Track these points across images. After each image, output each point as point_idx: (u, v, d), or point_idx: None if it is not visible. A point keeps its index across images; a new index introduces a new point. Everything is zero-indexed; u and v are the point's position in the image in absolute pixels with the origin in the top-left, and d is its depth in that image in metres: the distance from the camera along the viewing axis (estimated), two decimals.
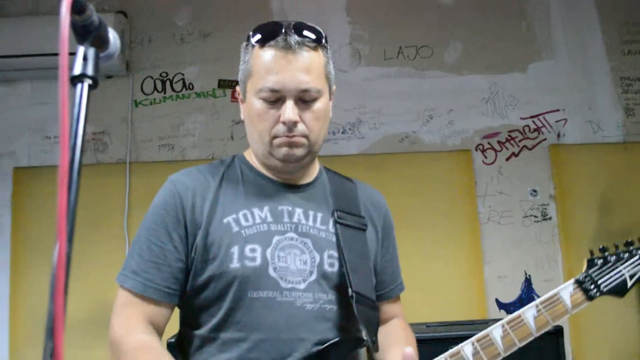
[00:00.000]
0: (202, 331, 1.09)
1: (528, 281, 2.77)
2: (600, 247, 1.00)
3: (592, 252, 1.00)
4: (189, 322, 1.14)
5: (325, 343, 1.09)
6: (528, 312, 0.99)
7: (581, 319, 2.76)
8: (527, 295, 2.77)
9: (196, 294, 1.09)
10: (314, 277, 1.10)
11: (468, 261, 2.78)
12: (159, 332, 1.09)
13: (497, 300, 2.77)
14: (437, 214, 2.79)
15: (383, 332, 1.26)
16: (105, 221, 2.68)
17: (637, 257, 0.97)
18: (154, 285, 1.06)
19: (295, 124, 1.07)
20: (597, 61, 2.97)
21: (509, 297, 2.77)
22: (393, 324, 1.29)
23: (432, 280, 2.67)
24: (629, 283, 0.97)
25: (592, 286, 0.96)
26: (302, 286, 1.09)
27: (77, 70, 0.59)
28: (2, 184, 2.73)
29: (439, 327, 2.35)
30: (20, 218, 2.68)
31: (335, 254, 1.13)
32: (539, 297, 2.81)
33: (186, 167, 1.23)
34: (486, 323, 2.40)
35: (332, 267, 1.12)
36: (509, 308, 2.76)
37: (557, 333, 2.18)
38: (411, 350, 1.02)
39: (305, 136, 1.10)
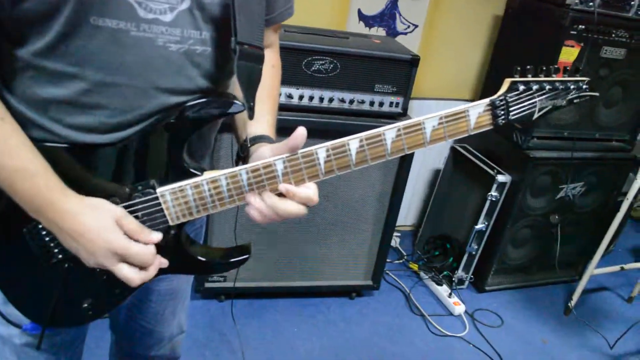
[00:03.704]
0: (24, 52, 0.84)
1: None
2: (528, 66, 0.88)
3: (517, 70, 0.89)
4: (5, 32, 0.84)
5: (188, 95, 0.92)
6: (429, 122, 0.88)
7: (431, 50, 2.83)
8: (390, 11, 2.67)
9: (13, 2, 0.79)
10: (186, 4, 0.86)
11: None
12: None
13: (359, 11, 2.65)
14: None
15: None
16: None
17: (557, 91, 0.89)
18: None
19: None
20: None
21: (372, 10, 2.66)
22: (265, 74, 1.13)
23: None
24: (536, 115, 0.90)
25: (503, 112, 0.88)
26: (169, 18, 0.85)
27: None
28: None
29: (298, 34, 2.22)
30: None
31: None
32: (400, 15, 2.74)
33: None
34: (347, 38, 2.34)
35: None
36: (368, 21, 2.68)
37: (413, 62, 2.21)
38: (302, 131, 0.87)
39: None
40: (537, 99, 0.90)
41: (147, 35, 0.84)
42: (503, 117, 0.89)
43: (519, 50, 2.64)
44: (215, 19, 0.90)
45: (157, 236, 0.91)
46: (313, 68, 2.13)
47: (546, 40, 2.45)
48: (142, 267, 0.90)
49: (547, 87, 0.89)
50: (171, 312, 1.34)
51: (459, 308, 2.69)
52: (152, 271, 0.91)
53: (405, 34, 2.75)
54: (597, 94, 0.95)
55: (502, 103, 0.88)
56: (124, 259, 0.87)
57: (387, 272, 2.89)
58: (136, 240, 0.89)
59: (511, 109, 0.89)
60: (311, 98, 2.18)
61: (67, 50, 0.82)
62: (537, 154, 2.57)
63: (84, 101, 0.87)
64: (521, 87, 0.88)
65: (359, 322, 2.58)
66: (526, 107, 0.90)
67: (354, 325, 2.56)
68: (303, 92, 2.15)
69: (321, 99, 2.19)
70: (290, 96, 2.14)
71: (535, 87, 0.88)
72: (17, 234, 0.93)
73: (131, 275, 0.88)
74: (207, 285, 2.46)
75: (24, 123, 0.86)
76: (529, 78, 0.89)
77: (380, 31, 2.71)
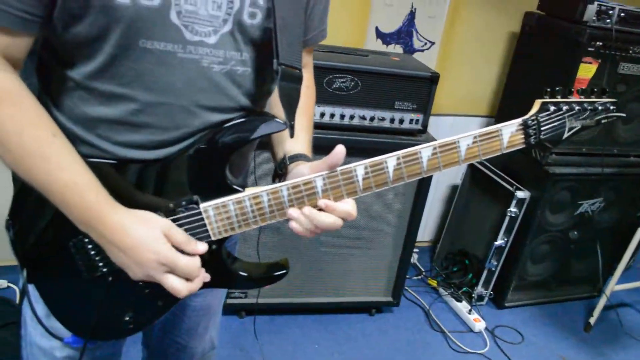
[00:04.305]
0: (75, 74, 0.87)
1: (412, 14, 2.68)
2: (557, 88, 0.91)
3: (547, 92, 0.91)
4: (58, 55, 0.88)
5: (229, 113, 0.95)
6: (463, 141, 0.91)
7: (447, 66, 2.86)
8: (407, 28, 2.71)
9: (65, 27, 0.82)
10: (228, 27, 0.88)
11: None
12: (16, 65, 0.85)
13: (377, 29, 2.69)
14: None
15: None
16: None
17: (586, 112, 0.91)
18: (3, 6, 0.77)
19: None
20: None
21: (389, 27, 2.70)
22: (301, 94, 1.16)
23: None
24: (565, 135, 0.93)
25: (535, 132, 0.91)
26: (212, 40, 0.88)
27: None
28: None
29: (320, 52, 2.26)
30: None
31: (261, 2, 0.90)
32: (417, 32, 2.78)
33: None
34: (367, 56, 2.38)
35: (253, 18, 0.90)
36: (386, 38, 2.72)
37: (433, 79, 2.24)
38: (341, 149, 0.89)
39: None
40: (566, 119, 0.92)
41: (192, 57, 0.88)
42: (535, 136, 0.91)
43: (536, 66, 2.66)
44: (255, 42, 0.93)
45: (203, 247, 0.93)
46: (334, 86, 2.17)
47: (564, 57, 2.47)
48: (187, 279, 0.92)
49: (577, 107, 0.91)
50: (204, 328, 1.36)
51: (479, 324, 2.68)
52: (197, 283, 0.93)
53: (422, 51, 2.78)
54: (624, 114, 0.98)
55: (533, 123, 0.91)
56: (172, 270, 0.89)
57: (406, 288, 2.89)
58: (182, 252, 0.91)
59: (542, 128, 0.91)
60: (332, 115, 2.21)
61: (116, 72, 0.86)
62: (557, 170, 2.58)
63: (132, 120, 0.90)
64: (552, 108, 0.91)
65: (379, 339, 2.59)
66: (556, 127, 0.92)
67: (374, 342, 2.56)
68: (324, 109, 2.19)
69: (342, 117, 2.22)
70: None
71: (565, 107, 0.91)
72: (63, 248, 0.95)
73: (179, 286, 0.90)
74: (228, 301, 2.48)
75: (72, 139, 0.89)
76: (559, 99, 0.91)
77: (397, 48, 2.75)
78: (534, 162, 2.62)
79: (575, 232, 2.81)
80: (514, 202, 2.62)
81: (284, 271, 1.06)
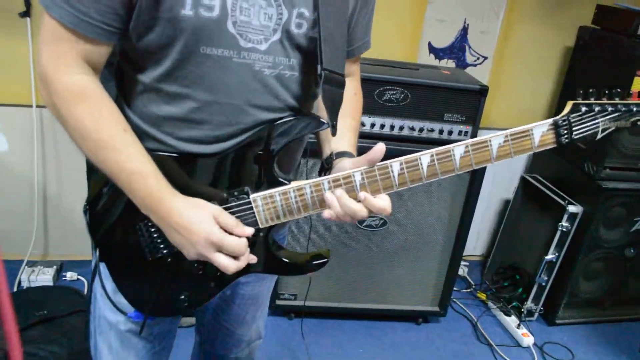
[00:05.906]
0: (145, 77, 1.00)
1: (465, 30, 2.73)
2: (590, 89, 0.95)
3: (580, 93, 0.96)
4: (131, 62, 1.01)
5: (278, 113, 1.06)
6: (495, 140, 0.97)
7: (500, 81, 2.89)
8: (460, 43, 2.76)
9: (139, 37, 0.95)
10: (277, 36, 1.00)
11: None
12: (96, 70, 0.98)
13: (429, 44, 2.75)
14: None
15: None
16: None
17: (619, 113, 0.95)
18: (88, 19, 0.90)
19: None
20: None
21: (442, 43, 2.76)
22: (346, 97, 1.25)
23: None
24: (599, 135, 0.96)
25: (566, 131, 0.95)
26: (264, 47, 0.99)
27: None
28: None
29: (371, 65, 2.35)
30: None
31: (307, 14, 1.01)
32: (470, 47, 2.82)
33: None
34: (417, 69, 2.44)
35: (299, 28, 1.02)
36: (438, 53, 2.78)
37: (482, 92, 2.28)
38: (381, 146, 0.99)
39: None
40: (599, 120, 0.96)
41: (246, 61, 0.99)
42: (566, 136, 0.95)
43: (591, 80, 2.65)
44: (301, 48, 1.04)
45: (250, 230, 1.04)
46: (384, 97, 2.24)
47: (618, 71, 2.45)
48: (235, 258, 1.02)
49: (610, 108, 0.95)
50: (251, 317, 1.46)
51: (528, 340, 2.66)
52: (243, 261, 1.03)
53: (475, 65, 2.82)
54: None
55: (564, 123, 0.95)
56: (220, 249, 1.00)
57: (455, 300, 2.90)
58: (231, 234, 1.02)
59: (574, 129, 0.96)
60: (382, 126, 2.28)
61: (180, 74, 0.98)
62: (610, 185, 2.55)
63: (192, 117, 1.02)
64: (583, 109, 0.95)
65: (425, 347, 2.61)
66: (589, 128, 0.96)
67: (419, 350, 2.59)
68: (375, 120, 2.27)
69: (392, 127, 2.29)
70: (362, 124, 2.26)
71: (597, 108, 0.95)
72: (130, 231, 1.09)
73: (226, 262, 1.01)
74: (278, 302, 2.57)
75: (140, 135, 1.02)
76: (592, 100, 0.95)
77: (450, 63, 2.80)
78: (587, 177, 2.60)
79: (632, 250, 2.75)
80: (565, 216, 2.60)
81: (324, 260, 1.14)
